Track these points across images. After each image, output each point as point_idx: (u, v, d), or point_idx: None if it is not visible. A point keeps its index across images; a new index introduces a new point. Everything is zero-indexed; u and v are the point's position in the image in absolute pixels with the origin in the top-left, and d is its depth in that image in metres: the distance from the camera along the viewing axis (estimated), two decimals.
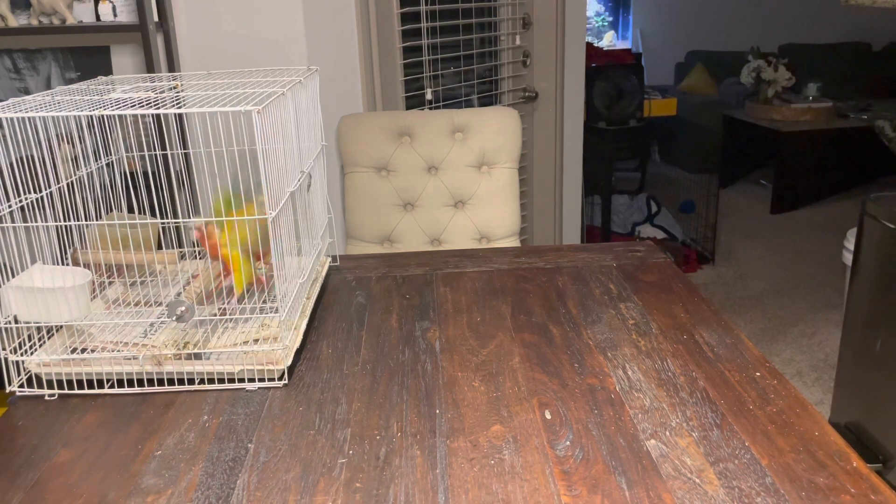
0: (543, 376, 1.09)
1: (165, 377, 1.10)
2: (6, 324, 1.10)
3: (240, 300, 1.25)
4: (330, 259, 1.56)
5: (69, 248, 1.28)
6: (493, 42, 2.74)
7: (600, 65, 3.59)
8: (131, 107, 1.05)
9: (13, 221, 1.09)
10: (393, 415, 1.01)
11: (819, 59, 5.93)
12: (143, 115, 2.02)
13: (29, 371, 1.12)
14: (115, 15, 2.04)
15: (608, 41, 6.98)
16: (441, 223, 2.07)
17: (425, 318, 1.30)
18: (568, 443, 0.93)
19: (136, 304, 1.30)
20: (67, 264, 1.24)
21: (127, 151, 1.99)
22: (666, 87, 5.85)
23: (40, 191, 1.17)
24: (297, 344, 1.16)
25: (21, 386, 1.11)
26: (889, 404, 2.01)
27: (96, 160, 1.37)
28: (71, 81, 2.19)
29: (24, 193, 1.13)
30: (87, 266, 1.29)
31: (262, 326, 1.20)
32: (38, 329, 1.16)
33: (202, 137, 2.07)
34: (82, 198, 1.26)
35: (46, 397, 1.09)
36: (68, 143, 2.01)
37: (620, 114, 3.58)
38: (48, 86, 2.18)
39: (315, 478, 0.89)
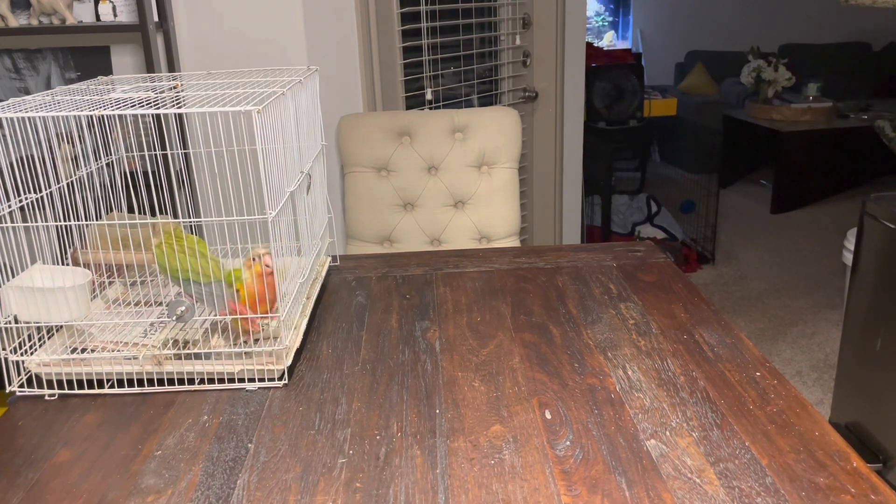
0: (543, 376, 1.09)
1: (165, 377, 1.10)
2: (6, 324, 1.10)
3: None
4: (330, 259, 1.56)
5: (69, 248, 1.28)
6: (493, 42, 2.74)
7: (600, 65, 3.59)
8: (131, 107, 1.05)
9: (13, 221, 1.09)
10: (393, 415, 1.01)
11: (819, 59, 5.93)
12: (143, 115, 2.02)
13: (29, 371, 1.11)
14: (115, 15, 2.04)
15: (608, 41, 6.98)
16: (441, 223, 2.07)
17: (425, 318, 1.30)
18: (568, 443, 0.93)
19: (136, 304, 1.30)
20: (67, 264, 1.24)
21: (127, 151, 1.99)
22: (666, 87, 5.85)
23: (40, 191, 1.17)
24: (297, 344, 1.16)
25: (21, 386, 1.11)
26: (889, 404, 2.01)
27: (96, 160, 1.37)
28: (71, 81, 2.19)
29: (24, 193, 1.13)
30: (87, 266, 1.29)
31: (262, 326, 1.20)
32: (38, 329, 1.16)
33: (202, 137, 2.07)
34: (82, 198, 1.26)
35: (46, 397, 1.09)
36: (68, 143, 2.01)
37: (620, 114, 3.58)
38: (48, 86, 2.18)
39: (315, 478, 0.89)
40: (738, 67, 5.52)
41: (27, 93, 2.19)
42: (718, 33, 6.56)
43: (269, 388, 1.09)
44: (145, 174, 2.12)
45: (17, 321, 1.11)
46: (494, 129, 2.05)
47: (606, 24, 7.04)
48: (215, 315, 1.16)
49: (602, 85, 3.54)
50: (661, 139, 5.84)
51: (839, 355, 2.25)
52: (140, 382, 1.11)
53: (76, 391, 1.09)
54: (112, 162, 1.48)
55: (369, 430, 0.98)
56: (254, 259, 1.12)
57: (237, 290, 1.12)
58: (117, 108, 1.04)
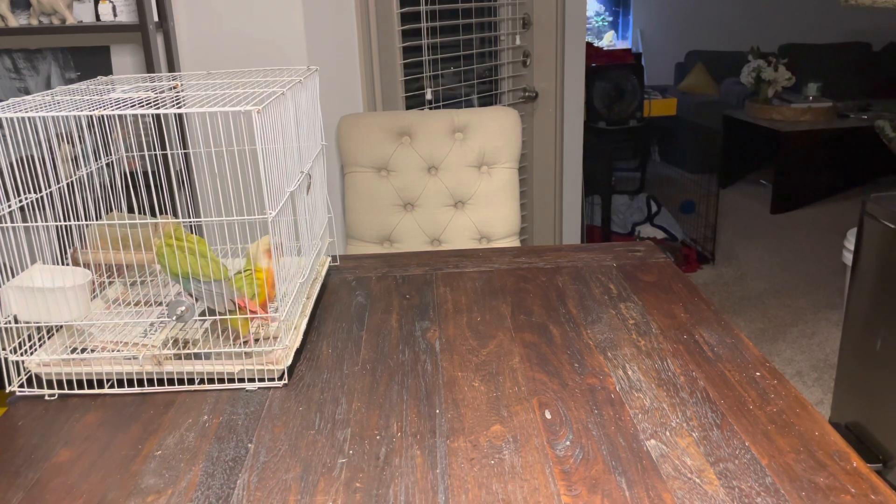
0: (543, 376, 1.09)
1: (165, 377, 1.10)
2: (6, 324, 1.10)
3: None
4: (330, 259, 1.56)
5: (69, 248, 1.28)
6: (493, 42, 2.74)
7: (600, 65, 3.59)
8: (131, 107, 1.05)
9: (13, 221, 1.09)
10: (393, 415, 1.01)
11: (819, 59, 5.93)
12: (143, 115, 2.02)
13: (29, 371, 1.12)
14: (115, 15, 2.04)
15: (608, 41, 6.98)
16: (441, 223, 2.07)
17: (425, 318, 1.30)
18: (568, 443, 0.93)
19: (136, 304, 1.30)
20: (67, 264, 1.24)
21: (127, 151, 1.99)
22: (666, 87, 5.85)
23: (40, 191, 1.17)
24: (297, 344, 1.16)
25: (21, 386, 1.11)
26: (889, 404, 2.01)
27: (96, 160, 1.37)
28: (71, 81, 2.19)
29: (24, 193, 1.13)
30: (87, 266, 1.29)
31: (262, 326, 1.20)
32: (38, 329, 1.16)
33: (202, 137, 2.07)
34: (82, 198, 1.26)
35: (46, 397, 1.09)
36: (68, 143, 2.01)
37: (620, 114, 3.58)
38: (48, 86, 2.18)
39: (315, 478, 0.89)
40: (738, 67, 5.52)
41: (27, 93, 2.19)
42: (718, 33, 6.56)
43: (269, 388, 1.09)
44: (145, 174, 2.12)
45: (17, 321, 1.11)
46: (494, 129, 2.05)
47: (606, 24, 7.04)
48: (216, 312, 1.16)
49: (602, 85, 3.54)
50: (661, 139, 5.84)
51: (839, 355, 2.25)
52: (140, 382, 1.11)
53: (76, 391, 1.09)
54: (112, 162, 1.48)
55: (369, 430, 0.98)
56: (274, 248, 1.13)
57: (256, 285, 1.14)
58: (117, 108, 1.04)
